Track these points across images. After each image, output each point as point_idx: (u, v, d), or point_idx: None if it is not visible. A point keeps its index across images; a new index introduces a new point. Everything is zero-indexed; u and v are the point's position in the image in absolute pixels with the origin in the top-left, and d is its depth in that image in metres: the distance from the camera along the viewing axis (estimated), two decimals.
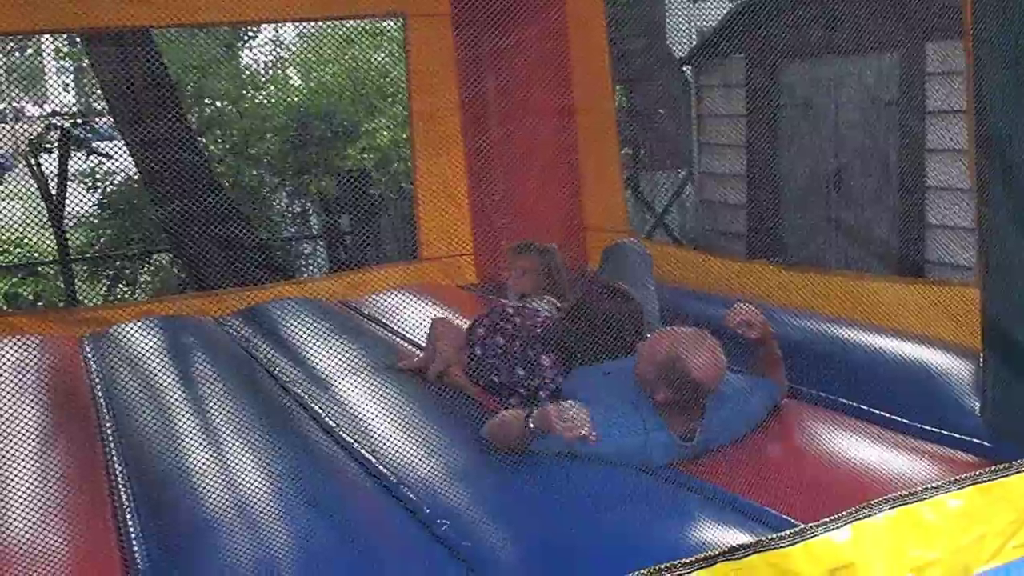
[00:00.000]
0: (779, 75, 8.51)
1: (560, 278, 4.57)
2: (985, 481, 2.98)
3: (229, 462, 3.35)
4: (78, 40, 9.19)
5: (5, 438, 3.58)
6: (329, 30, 9.08)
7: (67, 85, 11.00)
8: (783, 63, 8.43)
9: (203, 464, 3.34)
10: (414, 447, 3.47)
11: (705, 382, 3.19)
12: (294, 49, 10.58)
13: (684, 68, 9.94)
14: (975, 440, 3.31)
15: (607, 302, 3.60)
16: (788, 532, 2.66)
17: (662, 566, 2.50)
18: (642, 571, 2.47)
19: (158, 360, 4.67)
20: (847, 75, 7.90)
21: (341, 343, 4.80)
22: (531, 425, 3.17)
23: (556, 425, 3.05)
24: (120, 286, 9.14)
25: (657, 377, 3.22)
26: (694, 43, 9.77)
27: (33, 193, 8.29)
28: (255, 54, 10.68)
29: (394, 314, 5.42)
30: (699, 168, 9.60)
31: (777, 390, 3.63)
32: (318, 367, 4.45)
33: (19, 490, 3.16)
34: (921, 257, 7.16)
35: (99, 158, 8.83)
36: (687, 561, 2.53)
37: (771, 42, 7.91)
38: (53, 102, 9.93)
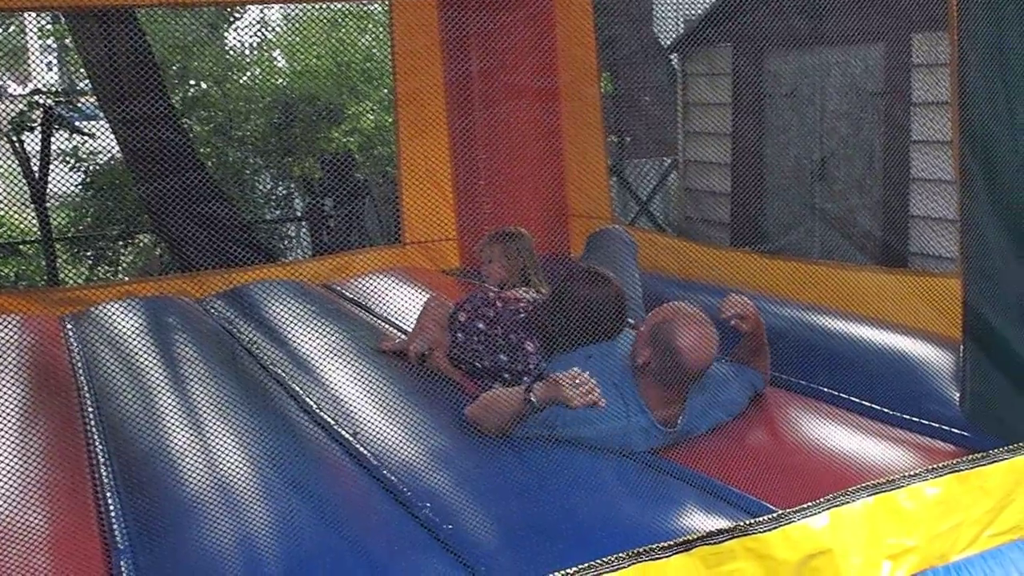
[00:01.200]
0: (765, 64, 8.52)
1: (531, 263, 4.56)
2: (963, 470, 3.01)
3: (209, 442, 3.35)
4: (62, 18, 9.13)
5: None
6: (315, 12, 9.05)
7: (50, 64, 10.94)
8: (769, 52, 8.44)
9: (183, 444, 3.34)
10: (395, 429, 3.47)
11: (687, 359, 3.19)
12: (280, 31, 10.53)
13: (671, 56, 9.94)
14: (954, 430, 3.33)
15: (586, 287, 3.60)
16: (766, 517, 2.68)
17: (640, 549, 2.51)
18: (621, 554, 2.48)
19: (139, 340, 4.65)
20: (833, 65, 7.92)
21: (323, 325, 4.80)
22: (532, 399, 3.17)
23: (568, 391, 3.08)
24: (102, 266, 9.11)
25: (649, 338, 3.24)
26: (681, 31, 9.76)
27: (15, 172, 8.25)
28: (240, 35, 10.63)
29: (376, 297, 5.42)
30: (684, 156, 9.61)
31: (760, 379, 3.64)
32: (300, 349, 4.44)
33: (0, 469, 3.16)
34: (904, 247, 7.18)
35: (82, 137, 8.78)
36: (665, 545, 2.54)
37: (757, 31, 7.91)
38: (36, 80, 9.87)
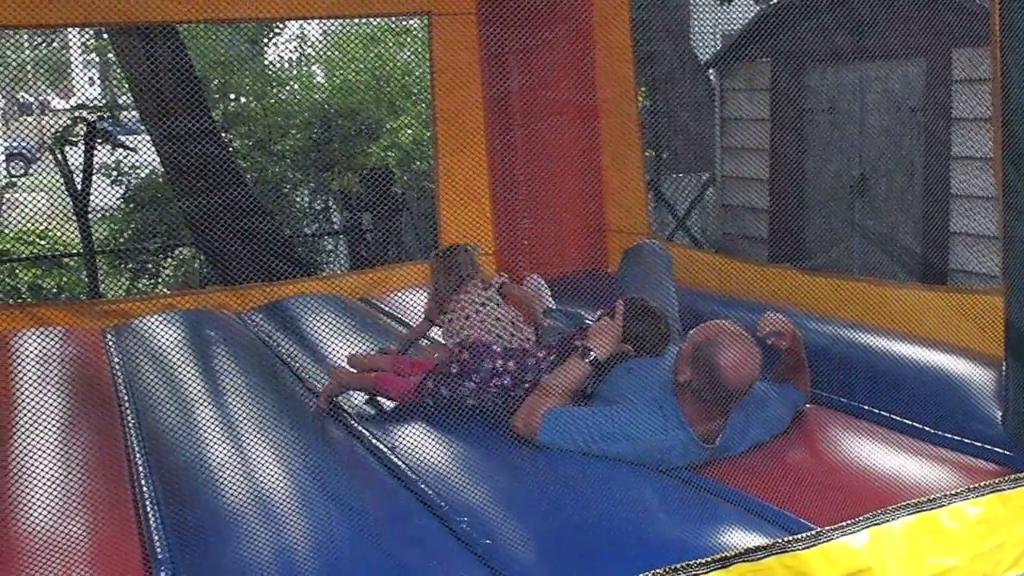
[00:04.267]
0: (804, 79, 8.49)
1: (473, 275, 4.60)
2: (1005, 489, 2.98)
3: (248, 455, 3.38)
4: (104, 34, 9.25)
5: (29, 428, 3.62)
6: (354, 28, 9.12)
7: (93, 79, 11.08)
8: (808, 67, 8.41)
9: (223, 456, 3.36)
10: (433, 443, 3.48)
11: (729, 377, 3.18)
12: (319, 46, 10.62)
13: (709, 71, 9.93)
14: (996, 448, 3.29)
15: (639, 323, 3.63)
16: (804, 535, 2.66)
17: (678, 566, 2.50)
18: (658, 570, 2.48)
19: (179, 353, 4.69)
20: (873, 80, 7.88)
21: (361, 339, 4.82)
22: (595, 357, 3.46)
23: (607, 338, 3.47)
24: (143, 279, 9.20)
25: (691, 355, 3.24)
26: (719, 47, 9.75)
27: (58, 186, 8.35)
28: (280, 51, 10.72)
29: (414, 311, 5.43)
30: (722, 172, 9.58)
31: (801, 398, 3.62)
32: (338, 363, 4.46)
33: (42, 479, 3.19)
34: (945, 264, 7.12)
35: (124, 151, 8.88)
36: (703, 561, 2.54)
37: (797, 46, 7.88)
38: (79, 95, 9.99)
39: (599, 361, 3.42)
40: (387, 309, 5.68)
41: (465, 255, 4.66)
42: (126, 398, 4.23)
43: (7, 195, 10.01)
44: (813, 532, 2.68)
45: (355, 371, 4.08)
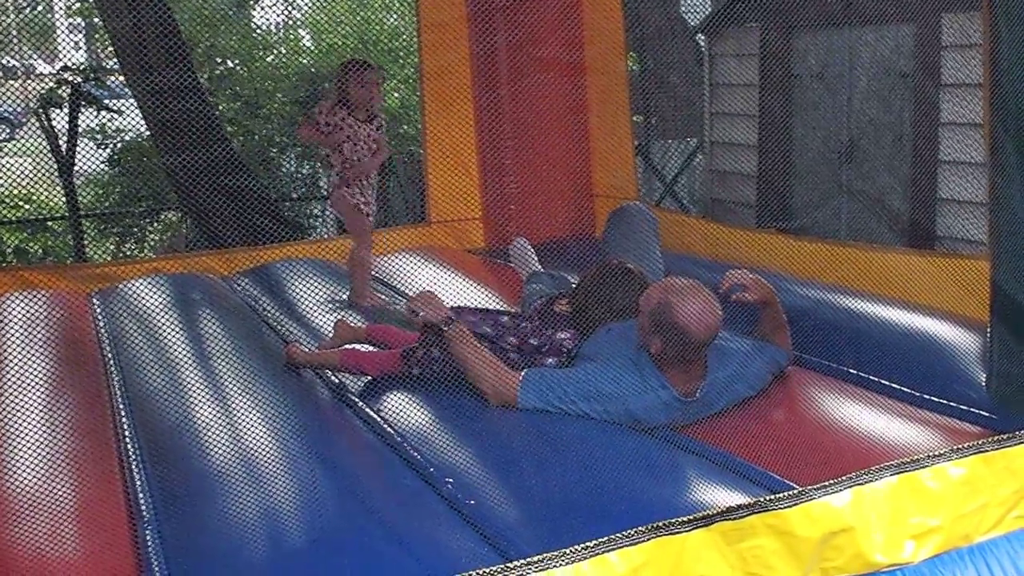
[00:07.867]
0: (793, 44, 8.45)
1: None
2: (988, 451, 2.99)
3: (233, 416, 3.38)
4: None
5: (15, 390, 3.62)
6: None
7: (78, 43, 10.99)
8: (798, 32, 8.37)
9: (208, 418, 3.36)
10: (419, 406, 3.48)
11: (696, 331, 3.19)
12: (305, 9, 10.54)
13: (698, 36, 9.87)
14: (981, 411, 3.30)
15: (615, 285, 3.64)
16: (786, 494, 2.67)
17: (659, 524, 2.51)
18: (640, 528, 2.48)
19: (166, 316, 4.68)
20: (862, 45, 7.84)
21: (346, 303, 4.82)
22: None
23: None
24: (129, 243, 9.16)
25: (651, 325, 3.24)
26: (708, 10, 9.69)
27: (43, 149, 8.29)
28: (266, 14, 10.64)
29: (401, 276, 5.43)
30: (711, 137, 9.55)
31: (783, 355, 3.63)
32: (324, 327, 4.46)
33: (28, 441, 3.19)
34: (932, 230, 7.13)
35: (109, 114, 8.81)
36: (685, 519, 2.54)
37: (786, 11, 7.84)
38: (64, 59, 9.90)
39: (451, 320, 3.45)
40: (374, 273, 5.66)
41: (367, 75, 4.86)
42: (112, 361, 4.23)
43: None
44: (795, 491, 2.69)
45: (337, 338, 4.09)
